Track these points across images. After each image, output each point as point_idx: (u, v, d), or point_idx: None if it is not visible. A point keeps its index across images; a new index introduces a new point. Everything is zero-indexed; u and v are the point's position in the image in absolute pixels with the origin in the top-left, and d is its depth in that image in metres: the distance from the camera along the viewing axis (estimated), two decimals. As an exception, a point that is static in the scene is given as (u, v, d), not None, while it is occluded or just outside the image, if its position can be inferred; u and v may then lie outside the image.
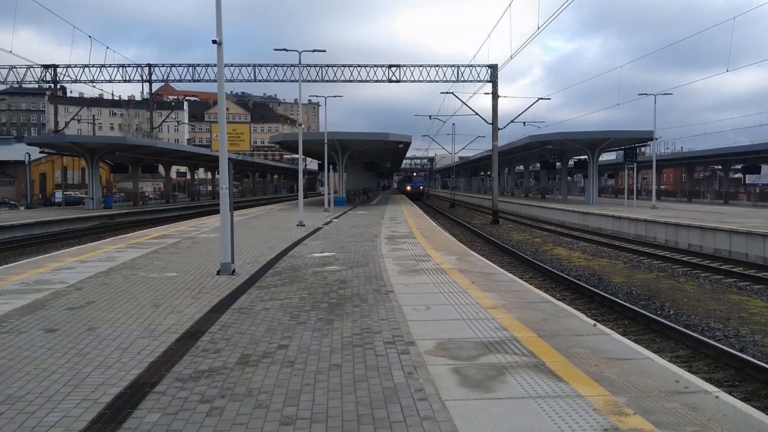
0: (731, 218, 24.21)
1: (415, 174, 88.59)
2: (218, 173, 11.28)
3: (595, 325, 6.82)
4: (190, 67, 40.50)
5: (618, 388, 4.62)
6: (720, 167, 62.00)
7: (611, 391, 4.53)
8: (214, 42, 10.49)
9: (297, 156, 30.25)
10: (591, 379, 4.83)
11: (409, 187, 78.72)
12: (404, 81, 39.36)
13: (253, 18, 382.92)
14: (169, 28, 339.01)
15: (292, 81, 39.90)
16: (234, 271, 10.40)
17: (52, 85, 42.44)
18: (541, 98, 40.93)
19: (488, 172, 77.66)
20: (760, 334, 9.76)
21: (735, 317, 10.91)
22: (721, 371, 7.89)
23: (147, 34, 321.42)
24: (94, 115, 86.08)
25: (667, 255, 19.09)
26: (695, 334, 9.22)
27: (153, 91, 48.57)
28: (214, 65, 33.27)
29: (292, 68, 38.95)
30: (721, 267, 16.43)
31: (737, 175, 67.70)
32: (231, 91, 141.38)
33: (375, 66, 39.67)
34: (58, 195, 49.42)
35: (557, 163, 48.75)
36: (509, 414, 4.11)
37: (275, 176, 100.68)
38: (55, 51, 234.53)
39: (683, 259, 18.30)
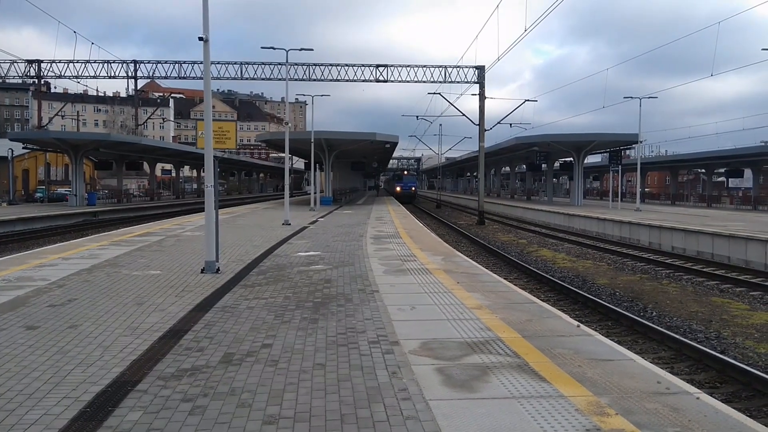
0: (714, 221, 24.46)
1: (405, 172, 78.31)
2: (204, 171, 11.21)
3: (578, 326, 6.85)
4: (176, 64, 40.24)
5: (600, 388, 4.65)
6: (704, 171, 62.71)
7: (594, 392, 4.56)
8: (200, 39, 10.46)
9: (283, 155, 30.17)
10: (574, 379, 4.86)
11: (399, 188, 69.79)
12: (392, 81, 39.40)
13: (249, 22, 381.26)
14: (167, 29, 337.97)
15: (279, 79, 39.81)
16: (218, 269, 10.35)
17: (36, 80, 41.96)
18: (528, 100, 41.25)
19: (474, 173, 77.70)
20: (741, 336, 9.88)
21: (717, 319, 11.02)
22: (703, 373, 7.98)
23: (146, 35, 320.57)
24: (78, 111, 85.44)
25: (651, 257, 19.25)
26: (677, 336, 9.31)
27: (138, 88, 48.16)
28: (201, 62, 33.13)
29: (280, 66, 38.85)
30: (704, 270, 16.60)
31: (720, 179, 68.53)
32: (218, 89, 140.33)
33: (363, 65, 39.69)
34: (39, 192, 48.83)
35: (543, 165, 48.96)
36: (492, 414, 4.12)
37: (261, 175, 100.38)
38: (55, 51, 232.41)
39: (666, 261, 18.47)
